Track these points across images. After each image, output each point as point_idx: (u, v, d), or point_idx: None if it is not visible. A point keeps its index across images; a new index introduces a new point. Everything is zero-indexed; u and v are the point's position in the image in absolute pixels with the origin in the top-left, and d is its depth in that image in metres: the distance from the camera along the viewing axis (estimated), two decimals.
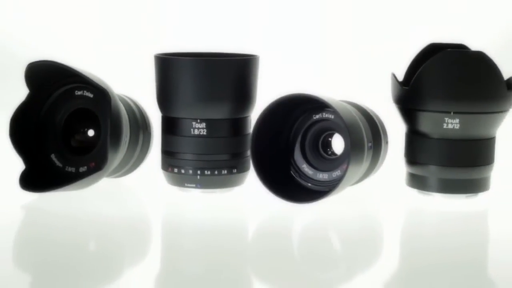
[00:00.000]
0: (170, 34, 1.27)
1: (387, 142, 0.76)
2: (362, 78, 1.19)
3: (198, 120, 0.71)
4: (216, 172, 0.72)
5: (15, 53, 1.23)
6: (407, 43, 0.85)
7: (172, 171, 0.73)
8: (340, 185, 0.68)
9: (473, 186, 0.73)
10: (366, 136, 0.70)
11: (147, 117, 0.77)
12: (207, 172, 0.72)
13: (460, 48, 0.75)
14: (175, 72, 0.72)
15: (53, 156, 0.73)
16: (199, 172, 0.72)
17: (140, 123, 0.75)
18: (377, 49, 1.24)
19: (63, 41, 1.27)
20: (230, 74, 0.72)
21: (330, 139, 0.75)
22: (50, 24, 1.29)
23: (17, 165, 0.72)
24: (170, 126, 0.73)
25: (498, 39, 1.20)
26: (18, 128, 0.72)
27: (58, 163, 0.73)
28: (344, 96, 0.75)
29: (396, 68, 0.76)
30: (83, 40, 1.28)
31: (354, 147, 0.67)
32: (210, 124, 0.71)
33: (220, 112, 0.72)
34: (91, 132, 0.75)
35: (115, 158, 0.69)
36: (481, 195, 0.74)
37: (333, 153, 0.74)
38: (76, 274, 0.56)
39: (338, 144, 0.74)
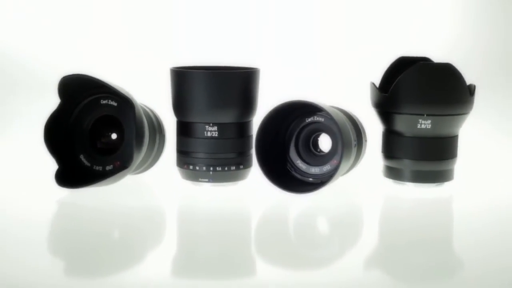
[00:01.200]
0: (175, 50, 1.27)
1: (366, 140, 0.79)
2: (343, 86, 1.20)
3: (211, 124, 0.74)
4: (226, 168, 0.75)
5: (43, 68, 1.23)
6: (378, 57, 0.86)
7: (188, 168, 0.76)
8: (334, 177, 0.71)
9: (440, 176, 0.77)
10: (352, 135, 0.74)
11: (161, 122, 0.80)
12: (218, 169, 0.75)
13: (425, 61, 0.79)
14: (191, 83, 0.74)
15: (82, 157, 0.76)
16: (211, 168, 0.75)
17: (156, 127, 0.78)
18: (354, 62, 1.25)
19: (87, 56, 1.26)
20: (238, 84, 0.75)
21: (318, 138, 0.78)
22: (77, 42, 1.28)
23: (51, 165, 0.75)
24: (185, 129, 0.76)
25: (444, 49, 1.22)
26: (51, 133, 0.75)
27: (86, 163, 0.76)
28: (328, 101, 0.77)
29: (369, 78, 0.79)
30: (104, 55, 1.27)
31: (345, 146, 0.70)
32: (221, 127, 0.75)
33: (229, 117, 0.75)
34: (114, 136, 0.77)
35: (139, 157, 0.72)
36: (446, 184, 0.78)
37: (321, 151, 0.77)
38: (103, 258, 0.59)
39: (324, 142, 0.77)
